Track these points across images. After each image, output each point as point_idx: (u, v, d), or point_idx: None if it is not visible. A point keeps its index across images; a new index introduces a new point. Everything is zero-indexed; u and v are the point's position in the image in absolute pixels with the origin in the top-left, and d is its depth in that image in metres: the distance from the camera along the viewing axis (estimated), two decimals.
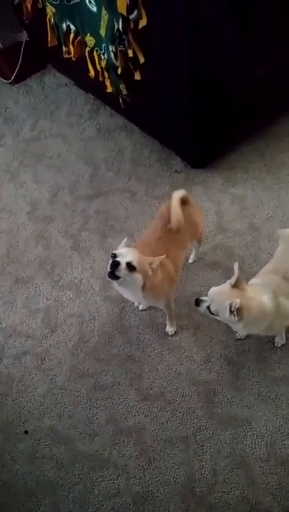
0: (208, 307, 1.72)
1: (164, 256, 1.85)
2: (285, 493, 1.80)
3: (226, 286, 1.71)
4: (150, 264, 1.82)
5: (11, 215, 2.72)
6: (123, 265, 1.73)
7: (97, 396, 2.08)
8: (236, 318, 1.67)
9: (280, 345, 2.08)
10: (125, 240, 1.86)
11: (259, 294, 1.77)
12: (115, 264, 1.72)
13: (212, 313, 1.74)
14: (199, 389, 2.04)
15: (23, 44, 3.14)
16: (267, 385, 2.01)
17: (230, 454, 1.89)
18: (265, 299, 1.76)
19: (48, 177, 2.84)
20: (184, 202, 2.00)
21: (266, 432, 1.92)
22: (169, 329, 2.20)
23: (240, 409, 1.98)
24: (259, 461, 1.87)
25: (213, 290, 1.73)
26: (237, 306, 1.64)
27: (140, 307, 2.28)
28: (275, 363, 2.06)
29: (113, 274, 1.74)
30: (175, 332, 2.19)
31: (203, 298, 1.74)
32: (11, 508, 1.88)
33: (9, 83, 3.29)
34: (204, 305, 1.73)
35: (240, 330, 1.92)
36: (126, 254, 1.77)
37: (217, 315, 1.73)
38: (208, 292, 1.74)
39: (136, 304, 2.27)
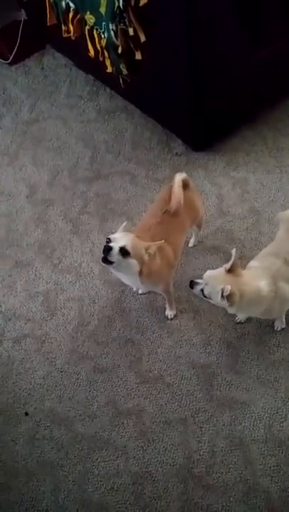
0: (202, 290, 1.74)
1: (163, 241, 1.84)
2: (283, 474, 1.83)
3: (221, 271, 1.72)
4: (146, 249, 1.80)
5: (9, 198, 2.69)
6: (116, 250, 1.72)
7: (96, 379, 2.09)
8: (227, 304, 1.68)
9: (279, 328, 2.08)
10: (124, 224, 1.85)
11: (257, 278, 1.77)
12: (107, 249, 1.71)
13: (205, 296, 1.75)
14: (198, 372, 2.05)
15: (22, 23, 3.07)
16: (266, 368, 2.02)
17: (228, 436, 1.91)
18: (263, 284, 1.76)
19: (47, 159, 2.80)
20: (184, 185, 1.98)
21: (264, 414, 1.93)
22: (169, 313, 2.20)
23: (238, 391, 1.99)
24: (257, 442, 1.89)
25: (208, 273, 1.74)
26: (228, 293, 1.65)
27: (139, 291, 2.28)
28: (274, 347, 2.07)
29: (106, 259, 1.73)
30: (175, 315, 2.19)
31: (198, 280, 1.76)
32: (12, 488, 1.90)
33: (7, 64, 3.23)
34: (198, 287, 1.75)
35: (235, 313, 1.92)
36: (120, 239, 1.75)
37: (210, 298, 1.74)
38: (204, 275, 1.75)
39: (134, 289, 2.26)
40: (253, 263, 1.89)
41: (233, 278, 1.69)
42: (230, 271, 1.70)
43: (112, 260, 1.73)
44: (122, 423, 1.98)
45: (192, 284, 1.76)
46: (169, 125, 2.72)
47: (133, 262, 1.77)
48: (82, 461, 1.92)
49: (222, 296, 1.67)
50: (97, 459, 1.92)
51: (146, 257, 1.80)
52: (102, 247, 1.75)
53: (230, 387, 2.00)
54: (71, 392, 2.07)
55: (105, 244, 1.74)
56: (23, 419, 2.03)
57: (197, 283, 1.75)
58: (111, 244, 1.72)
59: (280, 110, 2.74)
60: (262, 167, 2.58)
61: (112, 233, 1.84)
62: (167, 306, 2.18)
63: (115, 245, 1.72)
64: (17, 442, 1.99)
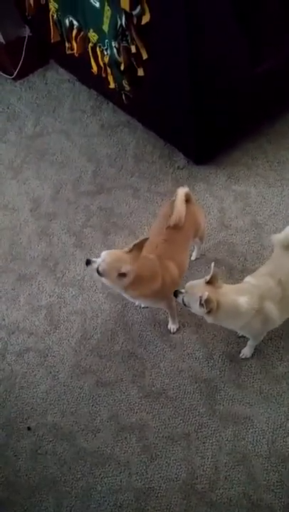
0: (182, 299, 1.81)
1: (153, 256, 1.88)
2: (286, 490, 1.81)
3: (200, 281, 1.78)
4: (118, 270, 1.78)
5: (13, 211, 2.72)
6: (95, 266, 1.78)
7: (99, 393, 2.09)
8: (205, 310, 1.72)
9: (243, 357, 2.07)
10: (140, 239, 1.85)
11: (238, 293, 1.80)
12: (87, 262, 1.80)
13: (185, 305, 1.82)
14: (201, 386, 2.05)
15: (26, 39, 3.12)
16: (269, 383, 2.02)
17: (231, 451, 1.90)
18: (242, 300, 1.78)
19: (50, 173, 2.83)
20: (186, 199, 2.00)
21: (268, 429, 1.93)
22: (171, 326, 2.20)
23: (241, 406, 1.98)
24: (260, 458, 1.88)
25: (189, 283, 1.82)
26: (205, 298, 1.69)
27: (142, 305, 2.29)
28: (277, 361, 2.06)
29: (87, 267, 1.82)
30: (177, 329, 2.19)
31: (181, 290, 1.83)
32: (14, 503, 1.90)
33: (12, 79, 3.28)
34: (181, 296, 1.82)
35: (214, 322, 1.92)
36: (103, 258, 1.79)
37: (189, 306, 1.80)
38: (185, 285, 1.81)
39: (136, 304, 2.27)
40: (248, 278, 1.91)
41: (211, 288, 1.74)
42: (209, 282, 1.75)
43: (90, 272, 1.81)
44: (125, 438, 1.97)
45: (176, 293, 1.84)
46: (171, 139, 2.75)
47: (105, 281, 1.82)
48: (85, 476, 1.92)
49: (200, 303, 1.71)
50: (100, 475, 1.92)
51: (131, 276, 1.79)
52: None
53: (233, 401, 2.00)
54: (74, 406, 2.07)
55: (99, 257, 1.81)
56: (25, 434, 2.03)
57: (180, 292, 1.83)
58: (93, 259, 1.80)
59: (280, 123, 2.77)
60: (263, 180, 2.60)
61: (115, 246, 1.87)
62: (170, 319, 2.19)
63: (96, 261, 1.79)
64: (19, 457, 1.99)
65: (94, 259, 1.80)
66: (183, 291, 1.81)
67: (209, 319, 1.80)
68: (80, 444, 1.98)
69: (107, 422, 2.02)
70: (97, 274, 1.79)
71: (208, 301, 1.70)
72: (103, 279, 1.81)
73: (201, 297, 1.71)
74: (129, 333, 2.23)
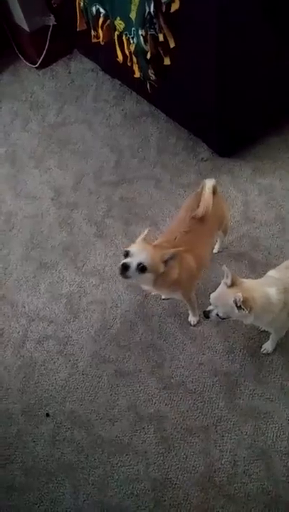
0: (217, 314, 1.72)
1: (180, 249, 1.82)
2: None
3: (223, 288, 1.71)
4: (162, 258, 1.77)
5: (35, 200, 2.73)
6: (133, 268, 1.72)
7: (118, 382, 2.09)
8: (247, 311, 1.65)
9: (265, 352, 2.04)
10: (146, 232, 1.83)
11: (265, 285, 1.76)
12: (125, 267, 1.71)
13: (223, 318, 1.73)
14: (221, 380, 2.03)
15: (51, 28, 3.11)
16: None
17: (250, 446, 1.89)
18: (271, 291, 1.74)
19: (72, 163, 2.83)
20: (213, 191, 1.97)
21: (288, 425, 1.90)
22: (192, 319, 2.18)
23: (262, 401, 1.96)
24: (280, 454, 1.86)
25: (212, 296, 1.73)
26: (241, 299, 1.63)
27: (162, 296, 2.27)
28: None
29: (124, 274, 1.73)
30: (198, 322, 2.18)
31: (209, 308, 1.74)
32: (32, 489, 1.91)
33: (36, 68, 3.27)
34: (213, 313, 1.73)
35: (253, 322, 1.89)
36: (138, 254, 1.74)
37: (229, 316, 1.72)
38: (210, 300, 1.73)
39: (153, 293, 2.25)
40: (271, 273, 1.88)
41: (237, 289, 1.68)
42: (232, 285, 1.69)
43: (129, 276, 1.74)
44: (143, 428, 1.97)
45: (206, 314, 1.75)
46: (195, 130, 2.72)
47: (148, 275, 1.77)
48: (103, 464, 1.92)
49: (238, 307, 1.65)
50: (117, 463, 1.92)
51: (161, 269, 1.78)
52: (121, 258, 1.74)
53: (253, 396, 1.98)
54: (92, 395, 2.07)
55: (123, 258, 1.74)
56: (44, 420, 2.04)
57: (210, 310, 1.74)
58: (128, 261, 1.72)
59: None
60: (288, 174, 2.55)
61: (136, 237, 1.83)
62: (190, 312, 2.17)
63: (133, 261, 1.72)
64: (38, 443, 2.00)
65: (127, 261, 1.72)
66: (211, 307, 1.74)
67: (249, 319, 1.73)
68: (98, 432, 1.99)
69: (126, 411, 2.02)
70: (140, 272, 1.72)
71: (245, 301, 1.64)
72: (146, 275, 1.75)
73: (236, 301, 1.64)
74: (149, 324, 2.22)
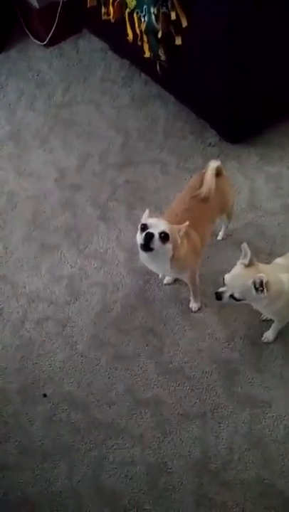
0: (231, 296, 1.66)
1: (188, 223, 1.79)
2: None
3: (240, 268, 1.66)
4: (178, 231, 1.79)
5: (38, 180, 2.69)
6: (157, 236, 1.70)
7: (116, 366, 2.07)
8: (266, 293, 1.61)
9: (266, 340, 2.01)
10: (147, 211, 1.80)
11: (276, 271, 1.73)
12: (150, 237, 1.69)
13: (238, 300, 1.67)
14: (220, 367, 2.02)
15: (60, 5, 3.04)
16: None
17: (247, 434, 1.88)
18: (284, 277, 1.71)
19: (77, 144, 2.78)
20: (217, 173, 1.94)
21: (286, 414, 1.89)
22: (193, 305, 2.16)
23: (260, 390, 1.95)
24: (276, 443, 1.85)
25: (229, 276, 1.67)
26: (266, 279, 1.59)
27: (165, 281, 2.25)
28: None
29: (147, 246, 1.70)
30: (199, 308, 2.16)
31: (222, 289, 1.68)
32: (26, 468, 1.91)
33: (43, 45, 3.21)
34: (227, 295, 1.67)
35: (264, 309, 1.87)
36: (158, 225, 1.72)
37: (244, 298, 1.67)
38: (225, 281, 1.68)
39: (160, 276, 2.23)
40: (279, 260, 1.85)
41: (255, 270, 1.64)
42: (249, 265, 1.64)
43: (154, 247, 1.71)
44: (140, 412, 1.96)
45: (219, 296, 1.68)
46: (204, 115, 2.66)
47: (170, 246, 1.75)
48: (98, 446, 1.92)
49: (256, 288, 1.61)
50: (112, 446, 1.92)
51: (179, 241, 1.78)
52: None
53: (252, 384, 1.96)
54: (90, 377, 2.06)
55: (142, 231, 1.71)
56: (41, 401, 2.03)
57: (223, 291, 1.67)
58: (151, 231, 1.69)
59: None
60: None
61: (140, 221, 1.80)
62: (192, 298, 2.15)
63: (155, 231, 1.70)
64: (34, 423, 2.00)
65: (150, 231, 1.69)
66: (224, 289, 1.67)
67: (264, 303, 1.69)
68: (95, 414, 1.98)
69: (123, 395, 2.01)
70: (162, 242, 1.70)
71: (268, 283, 1.59)
72: (167, 246, 1.73)
73: (255, 282, 1.59)
74: (150, 309, 2.20)
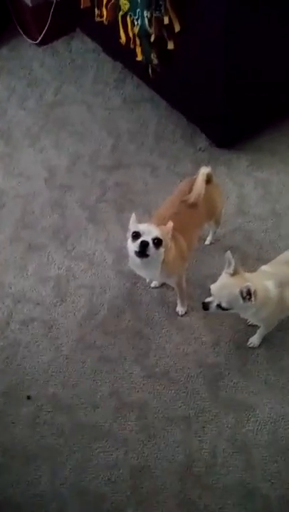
0: (218, 305, 1.68)
1: (172, 224, 1.80)
2: (283, 481, 1.80)
3: (226, 277, 1.68)
4: (167, 231, 1.80)
5: (28, 180, 2.67)
6: (151, 244, 1.71)
7: (101, 368, 2.07)
8: (254, 301, 1.62)
9: (251, 345, 2.03)
10: (134, 215, 1.80)
11: (262, 279, 1.74)
12: (145, 245, 1.70)
13: (225, 309, 1.69)
14: (205, 371, 2.03)
15: (54, 4, 3.03)
16: (275, 373, 1.99)
17: (231, 438, 1.89)
18: (270, 284, 1.73)
19: (68, 144, 2.77)
20: (207, 180, 1.95)
21: (269, 419, 1.91)
22: (180, 309, 2.17)
23: (245, 394, 1.96)
24: (260, 447, 1.86)
25: (215, 286, 1.69)
26: (253, 289, 1.60)
27: (152, 284, 2.25)
28: (284, 352, 2.04)
29: (142, 253, 1.72)
30: (185, 312, 2.16)
31: (208, 299, 1.70)
32: (9, 470, 1.90)
33: (36, 44, 3.19)
34: (214, 304, 1.69)
35: (251, 316, 1.88)
36: (150, 231, 1.74)
37: (231, 307, 1.69)
38: (211, 291, 1.69)
39: (148, 281, 2.24)
40: (264, 267, 1.87)
41: (241, 279, 1.66)
42: (234, 274, 1.66)
43: (149, 254, 1.72)
44: (124, 415, 1.96)
45: (206, 306, 1.69)
46: (195, 119, 2.67)
47: (162, 250, 1.77)
48: (82, 449, 1.91)
49: (243, 297, 1.63)
50: (96, 449, 1.91)
51: (169, 243, 1.80)
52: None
53: (236, 389, 1.98)
54: (75, 379, 2.05)
55: (135, 239, 1.72)
56: (25, 402, 2.02)
57: (210, 302, 1.69)
58: (145, 238, 1.71)
59: None
60: (287, 169, 2.53)
61: (128, 225, 1.80)
62: (179, 302, 2.16)
63: (148, 238, 1.72)
64: (17, 424, 1.98)
65: (144, 238, 1.70)
66: (210, 299, 1.68)
67: (250, 311, 1.71)
68: (79, 417, 1.97)
69: (108, 398, 2.00)
70: (156, 247, 1.71)
71: (255, 291, 1.61)
72: (160, 251, 1.74)
73: (242, 291, 1.61)
74: (137, 312, 2.20)
